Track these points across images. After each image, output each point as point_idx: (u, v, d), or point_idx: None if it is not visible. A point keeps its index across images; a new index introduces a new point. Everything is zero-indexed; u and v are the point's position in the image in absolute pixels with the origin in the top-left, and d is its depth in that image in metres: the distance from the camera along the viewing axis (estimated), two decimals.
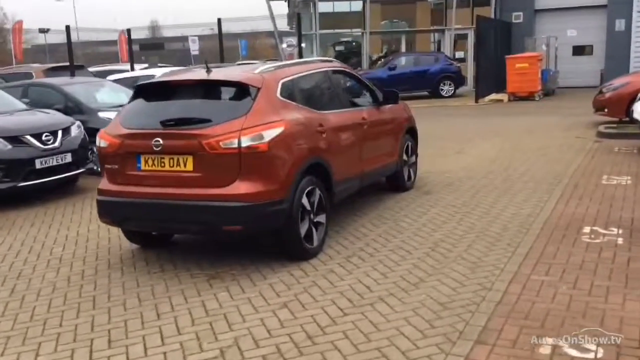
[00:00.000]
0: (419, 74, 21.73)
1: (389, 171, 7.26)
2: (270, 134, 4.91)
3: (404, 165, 7.58)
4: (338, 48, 27.28)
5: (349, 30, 27.27)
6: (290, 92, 5.46)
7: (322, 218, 5.52)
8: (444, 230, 5.97)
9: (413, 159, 7.91)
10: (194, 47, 30.47)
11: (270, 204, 4.89)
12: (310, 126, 5.41)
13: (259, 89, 5.12)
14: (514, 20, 23.93)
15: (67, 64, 15.03)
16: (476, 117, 16.22)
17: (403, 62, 22.42)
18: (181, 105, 5.25)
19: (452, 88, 21.85)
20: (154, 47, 29.61)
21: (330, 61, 6.77)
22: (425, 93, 22.25)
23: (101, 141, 5.33)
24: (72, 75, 14.19)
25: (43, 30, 49.38)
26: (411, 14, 27.84)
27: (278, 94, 5.27)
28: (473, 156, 10.10)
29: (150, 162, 5.06)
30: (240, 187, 4.82)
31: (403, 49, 26.79)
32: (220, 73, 5.44)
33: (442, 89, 21.84)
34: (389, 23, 28.36)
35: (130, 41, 16.37)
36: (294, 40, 27.13)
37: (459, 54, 25.23)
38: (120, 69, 17.14)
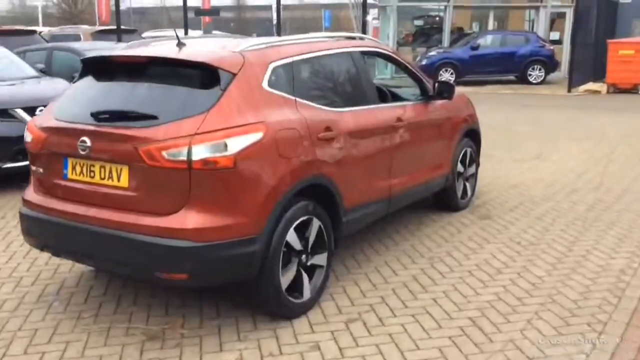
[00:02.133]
0: (505, 56, 19.42)
1: (435, 188, 5.55)
2: (239, 143, 3.36)
3: (457, 179, 5.85)
4: (417, 22, 25.12)
5: (431, 2, 25.00)
6: (286, 80, 3.88)
7: (321, 259, 3.95)
8: (496, 285, 4.24)
9: (472, 170, 6.14)
10: (276, 17, 29.25)
11: (232, 245, 3.37)
12: (310, 131, 3.82)
13: (233, 75, 3.56)
14: (621, 0, 21.02)
15: (122, 27, 14.03)
16: (566, 110, 13.96)
17: (488, 41, 20.14)
18: (126, 92, 3.75)
19: (542, 74, 19.41)
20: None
21: (360, 38, 5.04)
22: (512, 78, 19.95)
23: (27, 134, 3.95)
24: (119, 39, 13.15)
25: None
26: None
27: (264, 83, 3.70)
28: (555, 165, 8.14)
29: (78, 169, 3.63)
30: (188, 219, 3.31)
31: (490, 26, 24.35)
32: (189, 49, 3.90)
33: (530, 75, 19.45)
34: None
35: (185, 6, 15.13)
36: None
37: (554, 35, 22.57)
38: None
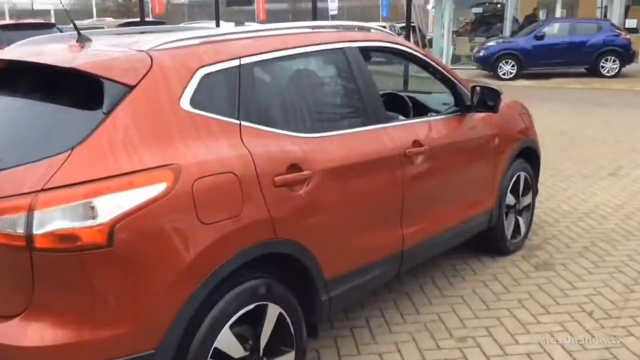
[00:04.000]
0: (574, 46, 17.35)
1: (474, 230, 4.09)
2: (119, 204, 2.04)
3: (506, 214, 4.37)
4: (476, 10, 23.15)
5: None
6: (226, 95, 2.52)
7: None
8: None
9: (527, 200, 4.63)
10: (333, 7, 27.91)
11: None
12: (261, 173, 2.46)
13: (129, 87, 2.25)
14: None
15: (149, 20, 13.00)
16: None
17: (555, 30, 18.08)
18: None
19: (617, 66, 17.24)
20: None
21: (363, 29, 3.58)
22: (581, 70, 17.88)
23: None
24: None
25: None
26: None
27: (184, 101, 2.36)
28: (637, 184, 6.48)
29: None
30: (29, 331, 2.02)
31: (558, 13, 22.20)
32: (85, 50, 2.57)
33: (603, 67, 17.32)
34: None
35: None
36: None
37: (630, 23, 20.22)
38: (208, 27, 14.83)
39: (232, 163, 2.37)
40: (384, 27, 28.82)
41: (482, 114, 3.88)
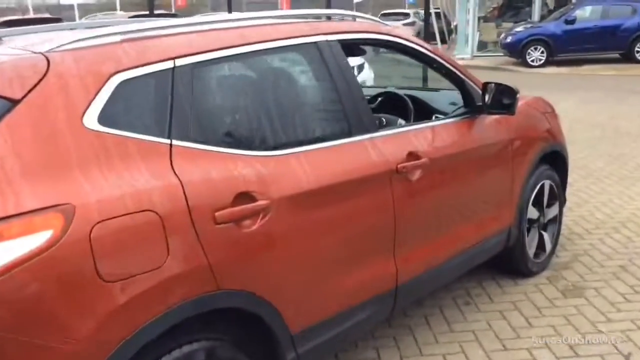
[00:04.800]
0: (607, 30, 16.43)
1: (489, 252, 3.47)
2: None
3: (528, 230, 3.75)
4: None
5: None
6: (152, 107, 1.97)
7: None
8: None
9: (553, 211, 4.00)
10: None
11: None
12: (196, 209, 1.90)
13: (11, 102, 1.71)
14: None
15: (160, 12, 12.53)
16: None
17: (587, 14, 17.15)
18: None
19: None
20: None
21: (345, 18, 2.96)
22: (615, 55, 16.93)
23: None
24: None
25: None
26: None
27: (89, 117, 1.81)
28: None
29: None
30: None
31: None
32: None
33: (638, 51, 16.37)
34: None
35: None
36: None
37: None
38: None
39: (152, 198, 1.81)
40: (407, 14, 28.03)
41: (492, 117, 3.26)
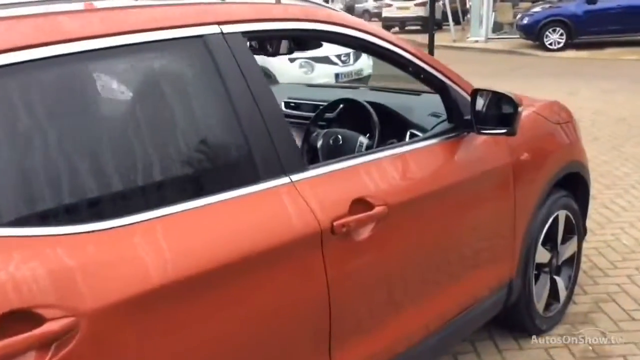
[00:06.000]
0: (631, 11, 15.25)
1: (480, 318, 2.58)
2: None
3: (536, 277, 2.85)
4: None
5: None
6: None
7: None
8: None
9: (568, 250, 3.09)
10: None
11: None
12: None
13: None
14: None
15: None
16: None
17: None
18: None
19: None
20: None
21: None
22: None
23: None
24: None
25: None
26: None
27: None
28: None
29: None
30: None
31: None
32: None
33: None
34: None
35: None
36: None
37: None
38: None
39: None
40: None
41: (485, 138, 2.34)
